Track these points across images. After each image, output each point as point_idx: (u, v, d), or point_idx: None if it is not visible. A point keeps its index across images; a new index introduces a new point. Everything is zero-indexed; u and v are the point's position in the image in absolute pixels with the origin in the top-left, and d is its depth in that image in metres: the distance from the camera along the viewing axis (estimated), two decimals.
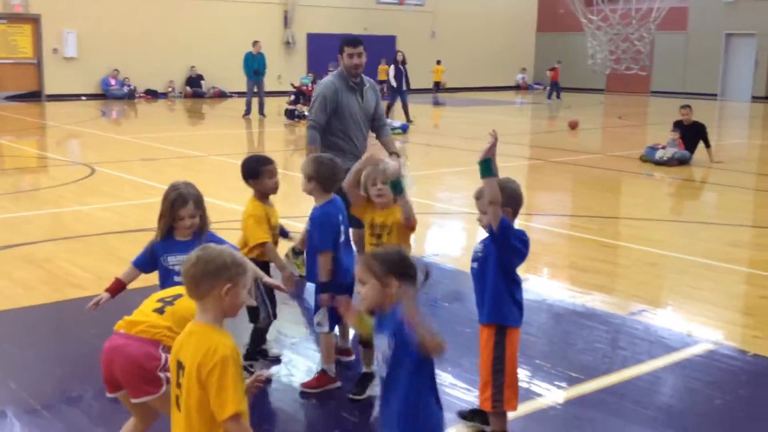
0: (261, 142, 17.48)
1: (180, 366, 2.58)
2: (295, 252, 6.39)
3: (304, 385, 4.34)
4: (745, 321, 5.66)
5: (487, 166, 3.39)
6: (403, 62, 20.65)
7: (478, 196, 3.58)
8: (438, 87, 27.89)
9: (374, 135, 6.34)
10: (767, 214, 9.61)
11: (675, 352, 4.93)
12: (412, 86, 29.96)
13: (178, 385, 2.59)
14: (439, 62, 28.28)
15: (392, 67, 20.63)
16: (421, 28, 32.46)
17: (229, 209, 8.84)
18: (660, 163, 12.87)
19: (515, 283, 3.62)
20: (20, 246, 7.23)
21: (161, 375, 3.19)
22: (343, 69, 5.98)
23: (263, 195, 4.55)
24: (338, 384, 4.34)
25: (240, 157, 14.13)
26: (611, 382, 4.49)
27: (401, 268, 2.80)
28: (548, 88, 28.99)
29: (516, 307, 3.61)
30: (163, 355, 3.21)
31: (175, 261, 3.92)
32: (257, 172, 4.52)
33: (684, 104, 13.69)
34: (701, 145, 13.06)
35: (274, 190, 4.55)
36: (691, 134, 13.10)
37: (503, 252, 3.51)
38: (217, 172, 12.17)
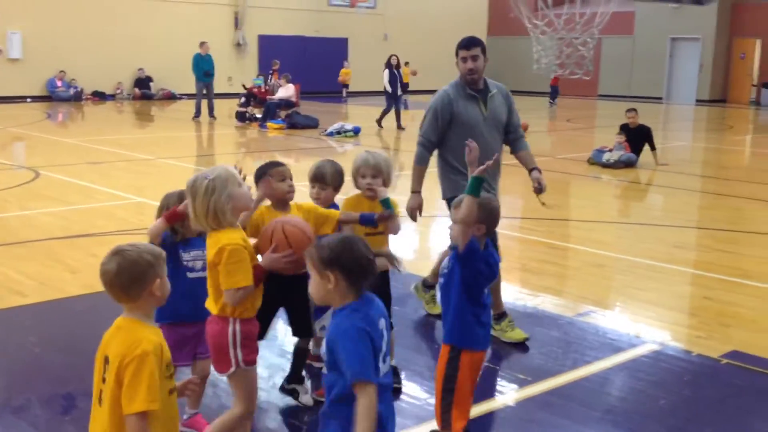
0: (211, 145, 17.31)
1: (105, 360, 2.55)
2: (426, 285, 5.78)
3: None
4: (689, 321, 5.77)
5: (476, 185, 3.26)
6: (398, 66, 19.71)
7: (457, 206, 3.38)
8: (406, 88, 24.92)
9: (508, 149, 5.46)
10: (710, 216, 9.82)
11: (621, 353, 5.00)
12: (366, 89, 30.13)
13: (103, 380, 2.56)
14: (407, 63, 26.41)
15: (386, 71, 19.53)
16: (373, 30, 32.50)
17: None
18: (607, 165, 13.08)
19: (480, 305, 3.47)
20: None
21: None
22: (459, 76, 5.19)
23: (277, 201, 3.96)
24: None
25: (189, 160, 14.09)
26: (559, 384, 4.53)
27: (342, 260, 2.61)
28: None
29: (480, 329, 3.47)
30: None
31: (189, 258, 3.80)
32: (261, 174, 3.99)
33: (630, 108, 13.93)
34: (647, 147, 13.31)
35: (285, 194, 3.93)
36: (637, 137, 13.34)
37: (467, 273, 3.38)
38: (165, 175, 12.02)
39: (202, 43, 20.92)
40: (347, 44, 32.05)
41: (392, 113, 19.42)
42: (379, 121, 19.46)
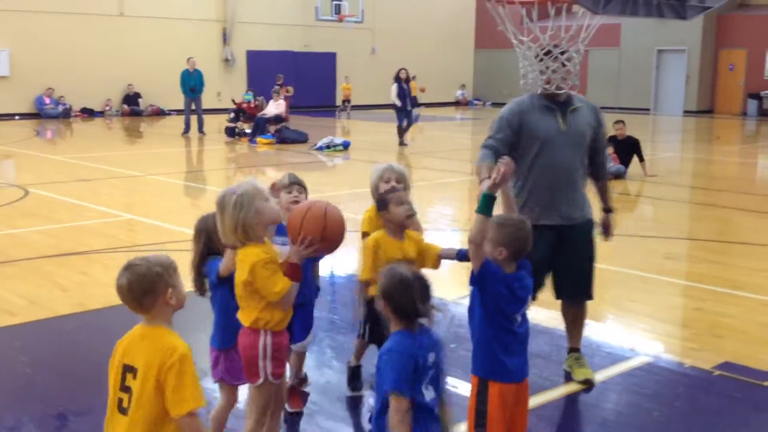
0: (201, 161, 17.29)
1: (128, 369, 2.65)
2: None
3: None
4: (681, 333, 5.78)
5: (486, 202, 3.15)
6: (407, 80, 19.09)
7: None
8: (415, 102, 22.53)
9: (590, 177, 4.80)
10: (700, 227, 9.86)
11: (614, 365, 5.01)
12: (355, 102, 30.15)
13: (124, 389, 2.65)
14: (414, 77, 25.65)
15: (395, 85, 18.84)
16: (361, 44, 32.59)
17: (166, 230, 8.71)
18: None
19: (507, 332, 3.25)
20: None
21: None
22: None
23: (396, 227, 3.95)
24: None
25: (179, 176, 14.07)
26: (553, 397, 4.53)
27: (392, 299, 2.91)
28: None
29: (510, 358, 3.24)
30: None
31: None
32: (384, 201, 3.96)
33: (618, 119, 14.00)
34: (635, 159, 13.36)
35: (403, 221, 3.94)
36: (626, 149, 13.40)
37: (485, 297, 3.22)
38: (155, 192, 12.00)
39: (189, 59, 20.94)
40: (335, 58, 32.11)
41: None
42: (400, 141, 18.73)
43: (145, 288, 2.64)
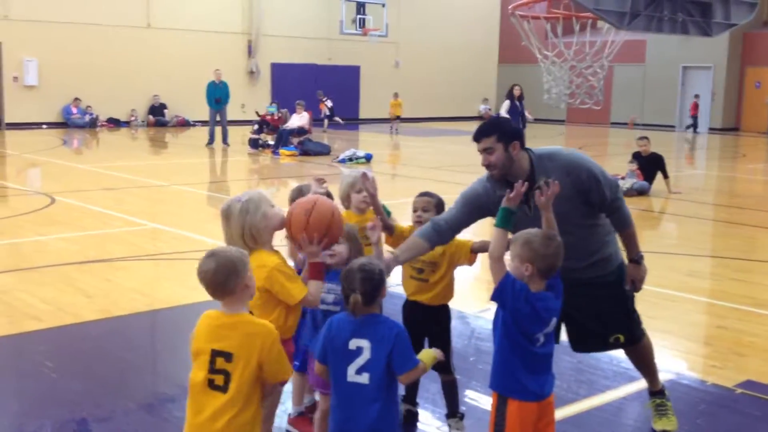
0: (224, 172, 17.42)
1: (219, 354, 2.88)
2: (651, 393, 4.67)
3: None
4: (703, 351, 5.75)
5: (505, 216, 3.17)
6: (520, 98, 17.52)
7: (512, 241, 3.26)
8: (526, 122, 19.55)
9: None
10: (723, 244, 9.79)
11: (635, 382, 4.98)
12: (378, 116, 30.24)
13: (217, 371, 2.89)
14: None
15: (507, 102, 17.60)
16: (385, 58, 32.72)
17: (189, 239, 8.79)
18: None
19: (527, 352, 3.21)
20: None
21: None
22: None
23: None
24: None
25: (202, 186, 14.18)
26: (573, 413, 4.52)
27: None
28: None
29: (530, 378, 3.21)
30: None
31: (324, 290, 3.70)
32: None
33: (642, 136, 13.94)
34: (659, 175, 13.30)
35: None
36: (650, 165, 13.34)
37: (506, 314, 3.19)
38: (178, 202, 12.11)
39: (216, 71, 21.14)
40: (359, 72, 32.26)
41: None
42: None
43: (230, 270, 2.88)
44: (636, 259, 4.11)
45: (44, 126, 24.77)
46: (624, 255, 4.19)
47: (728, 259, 8.79)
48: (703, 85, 30.74)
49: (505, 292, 3.16)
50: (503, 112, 17.21)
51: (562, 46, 3.11)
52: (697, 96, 30.05)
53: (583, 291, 3.93)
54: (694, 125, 29.72)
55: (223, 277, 2.87)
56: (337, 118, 27.73)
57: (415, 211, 4.16)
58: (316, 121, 26.16)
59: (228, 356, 2.88)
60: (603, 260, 4.07)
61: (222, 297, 2.92)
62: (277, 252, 3.50)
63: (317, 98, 27.41)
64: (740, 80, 30.72)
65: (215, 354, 2.89)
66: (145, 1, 26.75)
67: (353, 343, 3.05)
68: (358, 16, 27.95)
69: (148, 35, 26.87)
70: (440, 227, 3.92)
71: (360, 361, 3.03)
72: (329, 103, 27.56)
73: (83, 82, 25.40)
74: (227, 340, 2.89)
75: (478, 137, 3.90)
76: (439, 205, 4.15)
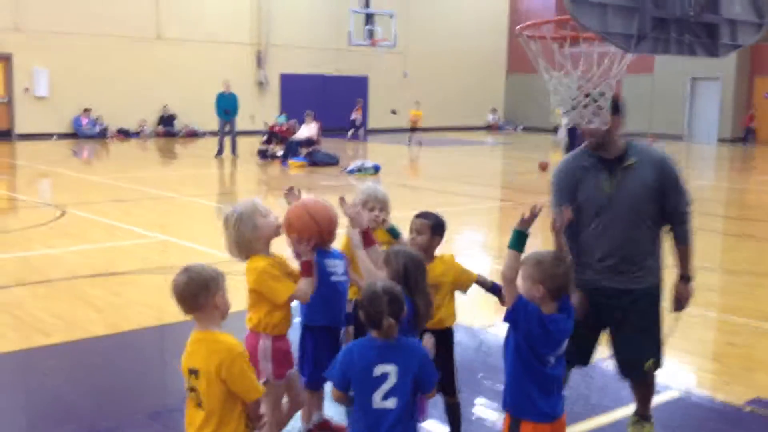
0: (234, 182, 17.48)
1: (191, 372, 2.98)
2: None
3: None
4: (713, 367, 5.73)
5: (518, 238, 3.19)
6: None
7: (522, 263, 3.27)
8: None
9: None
10: (734, 258, 9.75)
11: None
12: (386, 126, 30.26)
13: (191, 388, 3.00)
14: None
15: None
16: (394, 68, 32.81)
17: (198, 251, 8.82)
18: None
19: (539, 374, 3.21)
20: None
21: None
22: None
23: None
24: None
25: (211, 197, 14.23)
26: (582, 430, 4.51)
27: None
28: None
29: (543, 400, 3.21)
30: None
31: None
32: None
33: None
34: None
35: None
36: None
37: (518, 335, 3.20)
38: (187, 213, 12.16)
39: (224, 82, 21.23)
40: (367, 82, 32.35)
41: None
42: None
43: (200, 285, 2.95)
44: (686, 276, 4.14)
45: (55, 137, 24.91)
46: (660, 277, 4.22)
47: (739, 272, 8.76)
48: (712, 95, 30.68)
49: (517, 314, 3.17)
50: (562, 132, 16.13)
51: (569, 66, 3.10)
52: (753, 107, 29.85)
53: (615, 303, 4.00)
54: (746, 138, 29.50)
55: (192, 293, 2.95)
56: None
57: (410, 232, 4.15)
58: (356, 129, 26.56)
59: (196, 373, 2.97)
60: (640, 267, 4.05)
61: (191, 312, 3.00)
62: (270, 256, 3.73)
63: (356, 105, 28.17)
64: (749, 91, 30.66)
65: (189, 371, 3.00)
66: (156, 13, 26.92)
67: (378, 369, 3.02)
68: (367, 27, 28.04)
69: (159, 46, 27.02)
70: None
71: (386, 386, 3.01)
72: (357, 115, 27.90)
73: (93, 92, 25.55)
74: (195, 357, 2.99)
75: None
76: (436, 227, 4.06)
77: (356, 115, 27.74)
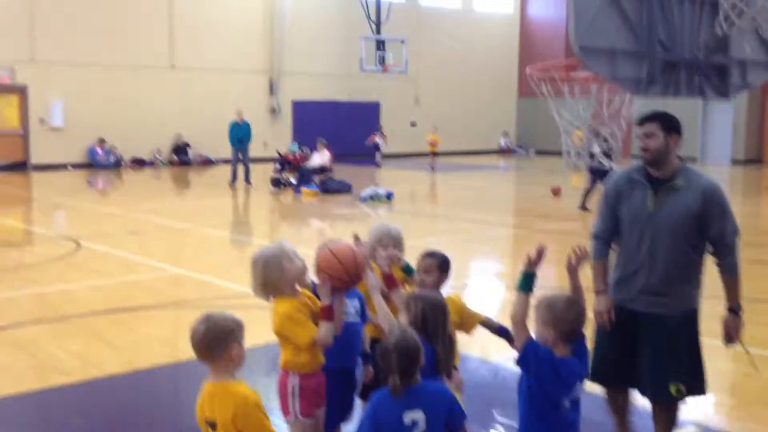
0: (247, 212, 17.57)
1: (210, 424, 3.01)
2: None
3: None
4: (729, 401, 5.69)
5: (525, 280, 3.21)
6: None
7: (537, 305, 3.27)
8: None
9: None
10: (748, 286, 9.63)
11: None
12: (399, 151, 30.31)
13: None
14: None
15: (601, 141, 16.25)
16: (405, 93, 32.97)
17: (212, 285, 8.86)
18: None
19: (554, 419, 3.19)
20: (6, 329, 7.20)
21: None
22: None
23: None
24: None
25: (225, 228, 14.31)
26: None
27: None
28: None
29: None
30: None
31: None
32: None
33: None
34: None
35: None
36: None
37: (530, 379, 3.19)
38: (201, 245, 12.22)
39: (237, 111, 21.39)
40: (379, 108, 32.51)
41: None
42: (583, 204, 15.43)
43: (218, 336, 2.99)
44: (734, 308, 4.18)
45: (70, 167, 25.14)
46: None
47: (755, 301, 8.69)
48: (725, 117, 30.63)
49: (528, 357, 3.18)
50: (598, 153, 15.84)
51: (581, 109, 3.14)
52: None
53: (645, 324, 4.10)
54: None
55: (208, 343, 3.00)
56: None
57: (417, 271, 4.17)
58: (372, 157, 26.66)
59: (213, 425, 3.01)
60: (673, 291, 4.12)
61: (206, 361, 3.05)
62: (297, 297, 3.72)
63: (379, 130, 28.58)
64: (762, 111, 30.59)
65: (207, 423, 3.04)
66: (169, 43, 27.23)
67: (408, 417, 2.99)
68: (378, 53, 28.22)
69: (172, 75, 27.30)
70: (603, 239, 4.25)
71: None
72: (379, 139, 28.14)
73: (108, 122, 25.81)
74: (212, 408, 3.02)
75: (642, 121, 4.09)
76: (443, 266, 4.11)
77: (379, 140, 27.98)
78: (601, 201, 4.28)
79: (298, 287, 3.77)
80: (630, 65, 3.07)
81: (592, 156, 15.85)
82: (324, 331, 3.64)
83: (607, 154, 15.53)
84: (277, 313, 3.67)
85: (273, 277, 3.66)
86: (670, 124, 4.06)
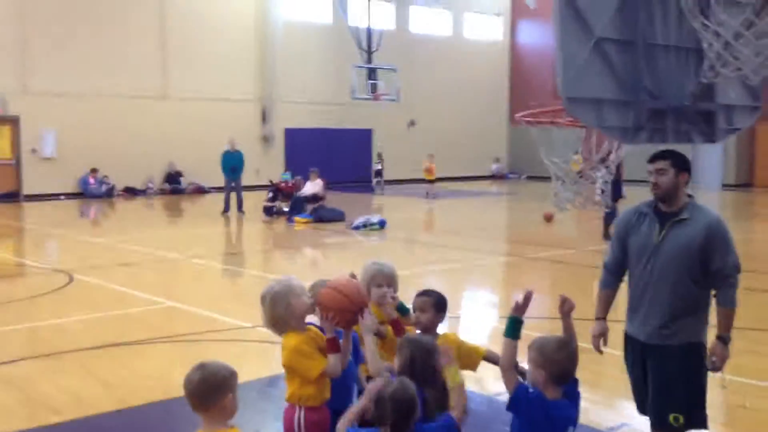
0: (239, 241, 17.54)
1: None
2: None
3: None
4: None
5: (511, 326, 3.24)
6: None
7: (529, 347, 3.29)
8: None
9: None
10: (740, 314, 9.66)
11: None
12: (393, 177, 30.38)
13: None
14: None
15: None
16: (397, 120, 33.10)
17: (205, 318, 8.83)
18: None
19: None
20: None
21: None
22: None
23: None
24: None
25: (217, 258, 14.27)
26: None
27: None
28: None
29: None
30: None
31: None
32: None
33: None
34: None
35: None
36: None
37: (522, 423, 3.20)
38: (194, 277, 12.19)
39: (230, 140, 21.42)
40: (371, 134, 32.61)
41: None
42: (606, 233, 14.97)
43: (213, 386, 2.99)
44: (724, 338, 4.30)
45: (62, 197, 25.10)
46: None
47: (746, 329, 8.69)
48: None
49: (519, 401, 3.18)
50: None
51: (570, 154, 3.20)
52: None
53: (649, 354, 4.28)
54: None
55: (202, 394, 3.00)
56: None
57: (413, 310, 4.16)
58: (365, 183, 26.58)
59: None
60: (675, 323, 4.25)
61: (199, 411, 3.03)
62: (305, 331, 3.82)
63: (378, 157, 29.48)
64: (752, 134, 30.78)
65: None
66: (162, 72, 27.32)
67: None
68: (370, 81, 28.38)
69: (165, 105, 27.37)
70: (611, 270, 4.50)
71: None
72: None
73: (100, 152, 25.81)
74: None
75: (654, 158, 4.30)
76: (438, 304, 4.10)
77: (380, 166, 28.33)
78: (614, 236, 4.54)
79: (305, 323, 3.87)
80: (617, 114, 3.15)
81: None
82: (332, 362, 3.73)
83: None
84: (286, 347, 3.76)
85: (281, 312, 3.77)
86: (680, 163, 4.27)
